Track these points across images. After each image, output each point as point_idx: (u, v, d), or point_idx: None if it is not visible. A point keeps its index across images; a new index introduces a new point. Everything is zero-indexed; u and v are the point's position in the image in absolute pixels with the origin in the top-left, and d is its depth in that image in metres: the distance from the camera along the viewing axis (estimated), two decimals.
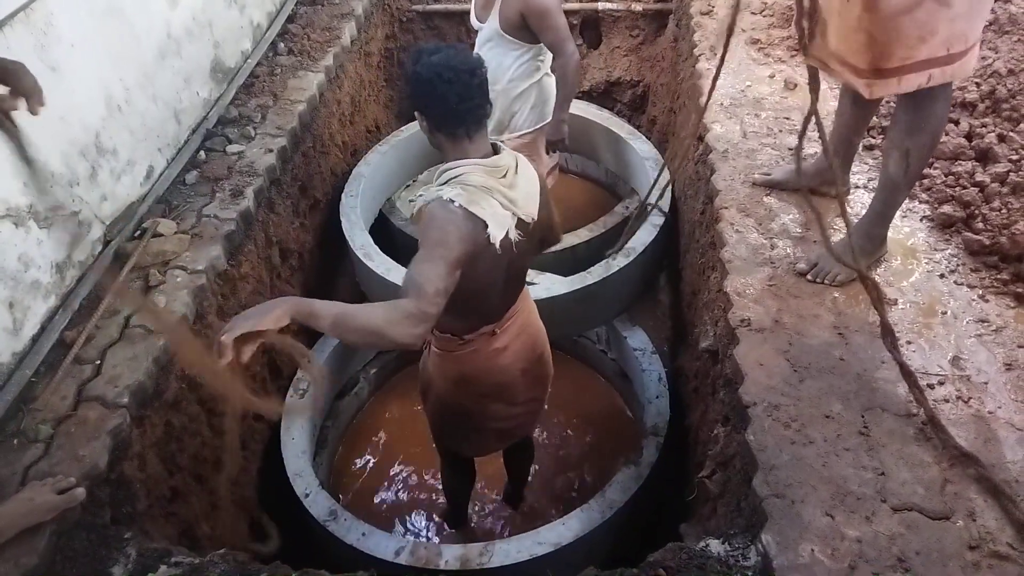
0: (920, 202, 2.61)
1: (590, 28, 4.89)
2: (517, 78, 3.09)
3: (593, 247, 3.44)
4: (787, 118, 3.06)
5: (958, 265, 2.38)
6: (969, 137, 2.74)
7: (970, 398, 1.98)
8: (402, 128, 4.05)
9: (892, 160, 2.20)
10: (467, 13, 3.23)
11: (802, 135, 2.00)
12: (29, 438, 1.95)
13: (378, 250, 3.22)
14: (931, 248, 2.45)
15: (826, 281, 2.31)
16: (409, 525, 3.13)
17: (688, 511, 2.34)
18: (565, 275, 3.07)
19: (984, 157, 2.63)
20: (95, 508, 1.88)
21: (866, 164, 2.79)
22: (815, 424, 1.92)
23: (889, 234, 2.41)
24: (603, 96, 5.02)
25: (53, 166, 2.26)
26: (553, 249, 2.43)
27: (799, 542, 1.67)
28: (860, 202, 2.61)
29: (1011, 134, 2.64)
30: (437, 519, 3.13)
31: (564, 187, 4.38)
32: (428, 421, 2.47)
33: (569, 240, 3.42)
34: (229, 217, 2.70)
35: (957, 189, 2.57)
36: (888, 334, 1.90)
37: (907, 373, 1.88)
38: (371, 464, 3.34)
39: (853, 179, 2.72)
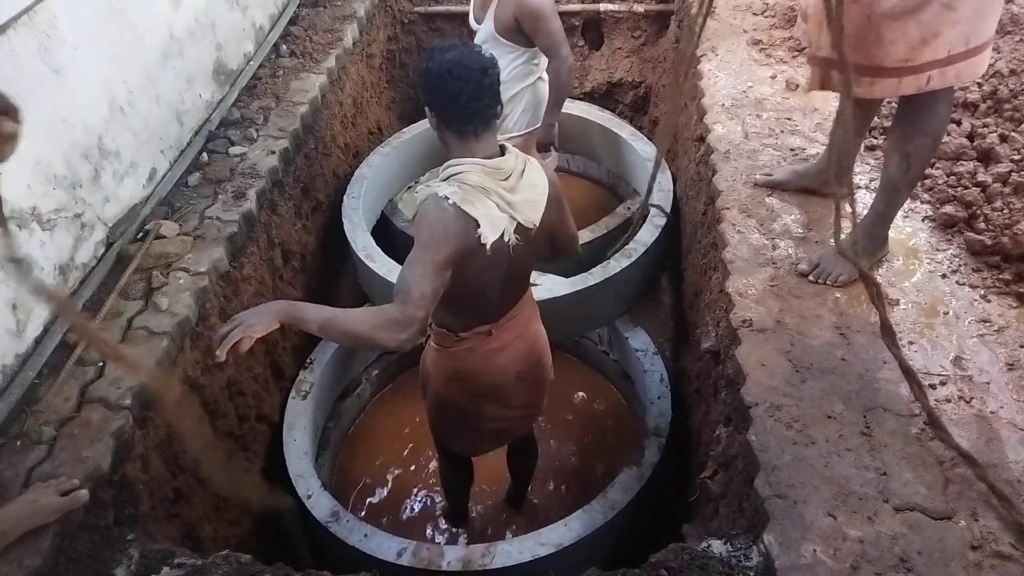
0: (922, 202, 2.61)
1: (592, 29, 4.89)
2: (511, 80, 3.08)
3: (595, 248, 3.44)
4: (788, 119, 3.06)
5: (960, 265, 2.38)
6: (971, 137, 2.74)
7: (972, 398, 1.98)
8: (404, 130, 4.05)
9: (893, 162, 2.20)
10: (468, 15, 3.24)
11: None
12: (32, 440, 1.96)
13: (380, 251, 3.23)
14: (933, 248, 2.45)
15: (828, 282, 2.31)
16: (411, 526, 3.12)
17: (690, 512, 2.34)
18: (567, 276, 3.07)
19: (986, 157, 2.63)
20: (98, 509, 1.88)
21: (867, 164, 2.79)
22: (817, 424, 1.92)
23: (891, 234, 2.41)
24: (605, 97, 5.02)
25: (56, 168, 2.27)
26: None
27: (801, 542, 1.67)
28: (862, 202, 2.59)
29: (1013, 134, 2.64)
30: (439, 520, 3.13)
31: (565, 188, 4.36)
32: (427, 415, 2.47)
33: None
34: (231, 219, 2.70)
35: (959, 189, 2.56)
36: (888, 333, 1.90)
37: (907, 371, 1.88)
38: (373, 465, 3.34)
39: (855, 180, 2.72)
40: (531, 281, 2.99)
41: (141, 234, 2.61)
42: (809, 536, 1.68)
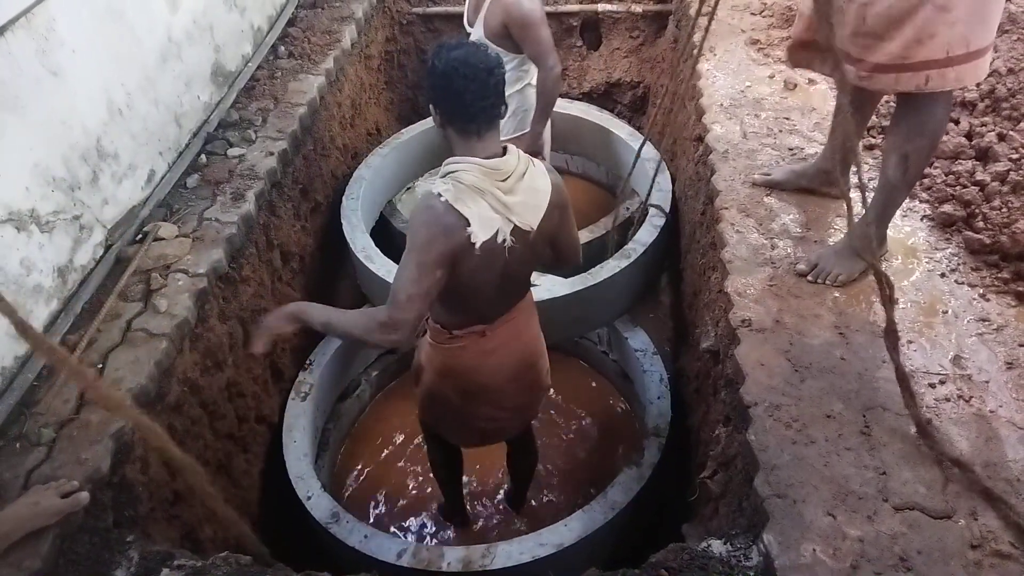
0: (920, 201, 2.62)
1: (590, 30, 4.90)
2: None
3: (594, 248, 3.44)
4: (787, 118, 3.07)
5: (959, 264, 2.38)
6: (969, 136, 2.74)
7: (971, 397, 1.98)
8: (402, 131, 4.05)
9: (891, 163, 2.20)
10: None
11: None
12: (31, 442, 1.95)
13: (379, 252, 3.23)
14: (932, 247, 2.45)
15: (826, 281, 2.31)
16: (411, 527, 3.13)
17: (690, 511, 2.34)
18: (566, 276, 3.07)
19: (984, 156, 2.63)
20: (97, 511, 1.88)
21: (866, 164, 2.79)
22: (816, 424, 1.92)
23: (890, 233, 2.41)
24: (603, 97, 5.03)
25: (55, 170, 2.27)
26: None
27: (801, 542, 1.67)
28: (860, 201, 2.61)
29: (1011, 133, 2.64)
30: (440, 521, 3.13)
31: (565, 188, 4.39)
32: (417, 402, 2.47)
33: None
34: (230, 220, 2.70)
35: (957, 188, 2.57)
36: (891, 336, 1.90)
37: (902, 378, 1.88)
38: (373, 466, 3.34)
39: (853, 179, 2.71)
40: (531, 282, 3.02)
41: (140, 236, 2.62)
42: (809, 535, 1.68)
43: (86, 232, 2.42)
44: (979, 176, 2.55)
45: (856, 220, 2.21)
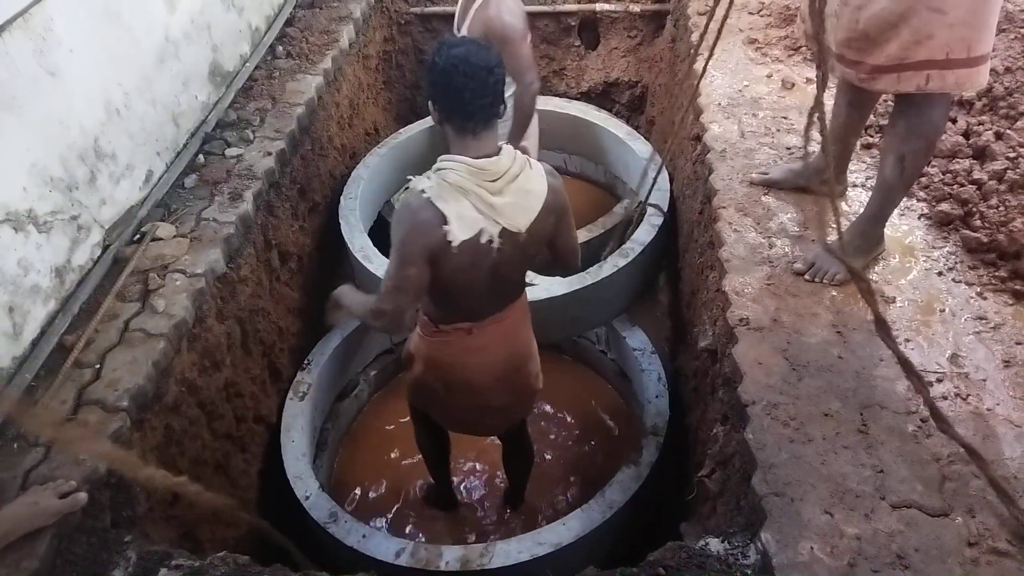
0: (918, 200, 2.62)
1: (588, 29, 4.90)
2: None
3: (592, 248, 3.44)
4: (785, 117, 3.07)
5: (956, 263, 2.38)
6: (967, 135, 2.75)
7: (969, 395, 1.98)
8: (401, 130, 4.05)
9: (888, 164, 2.20)
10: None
11: (808, 128, 2.00)
12: (29, 442, 1.95)
13: (377, 252, 3.23)
14: (929, 246, 2.46)
15: (824, 280, 2.32)
16: (409, 526, 3.12)
17: (688, 510, 2.34)
18: (564, 277, 3.07)
19: (982, 155, 2.64)
20: (95, 511, 1.88)
21: (863, 163, 2.80)
22: (814, 422, 1.92)
23: (887, 232, 2.41)
24: (601, 97, 5.03)
25: (52, 170, 2.27)
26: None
27: (798, 540, 1.67)
28: (858, 200, 2.61)
29: (1008, 132, 2.65)
30: (438, 521, 3.13)
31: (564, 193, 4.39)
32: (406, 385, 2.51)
33: None
34: (228, 220, 2.70)
35: (955, 187, 2.57)
36: (882, 327, 1.90)
37: (905, 363, 1.87)
38: (371, 466, 3.34)
39: (851, 177, 2.72)
40: (528, 281, 3.02)
41: (138, 236, 2.61)
42: (806, 534, 1.68)
43: (84, 232, 2.41)
44: (976, 175, 2.55)
45: (848, 220, 2.22)
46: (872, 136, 2.91)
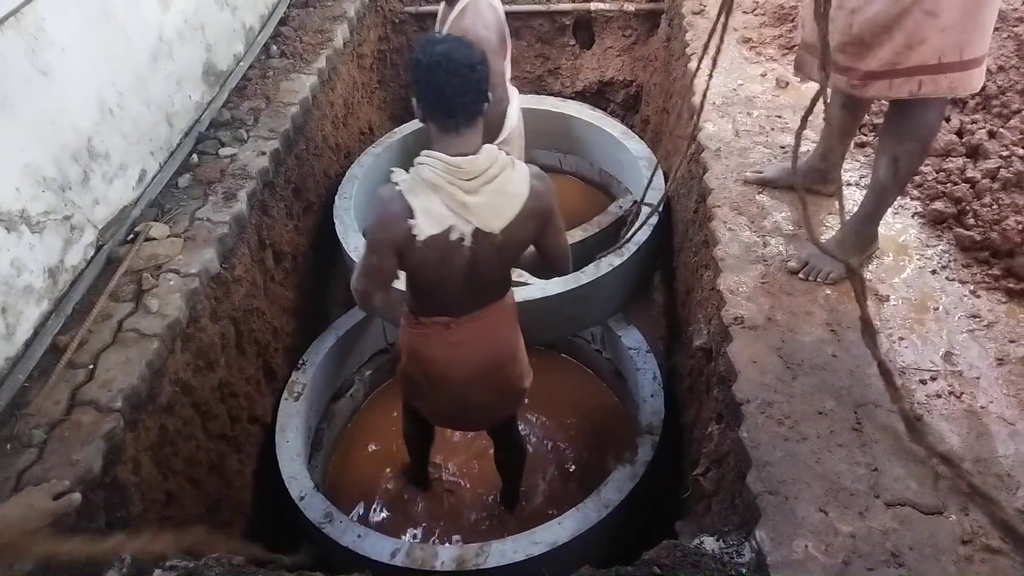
0: (911, 199, 2.63)
1: (583, 28, 4.90)
2: None
3: (587, 247, 3.44)
4: (779, 116, 3.07)
5: (949, 261, 2.39)
6: (960, 133, 2.75)
7: (962, 393, 1.98)
8: (395, 130, 4.05)
9: (882, 165, 2.21)
10: None
11: (799, 132, 2.00)
12: (22, 443, 1.95)
13: None
14: (923, 244, 2.46)
15: (818, 279, 2.32)
16: (404, 526, 3.12)
17: (683, 509, 2.34)
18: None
19: (975, 153, 2.64)
20: (89, 512, 1.88)
21: (857, 161, 2.80)
22: (808, 421, 1.93)
23: (881, 231, 2.42)
24: (596, 96, 5.03)
25: (45, 170, 2.26)
26: None
27: (793, 538, 1.67)
28: (852, 199, 2.61)
29: (1001, 130, 2.65)
30: (434, 521, 3.13)
31: (558, 187, 4.38)
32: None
33: None
34: (222, 220, 2.69)
35: (948, 185, 2.58)
36: (868, 330, 1.90)
37: (885, 372, 1.88)
38: (367, 466, 3.33)
39: (845, 176, 2.73)
40: (523, 280, 3.02)
41: (131, 236, 2.60)
42: (801, 532, 1.68)
43: (77, 232, 2.41)
44: (970, 173, 2.56)
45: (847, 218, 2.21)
46: (866, 135, 2.92)
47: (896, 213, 2.57)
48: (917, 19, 1.90)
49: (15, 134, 2.15)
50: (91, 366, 2.15)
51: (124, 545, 1.75)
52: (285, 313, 3.23)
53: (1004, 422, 1.90)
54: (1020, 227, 2.31)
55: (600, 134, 4.01)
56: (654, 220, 3.24)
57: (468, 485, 3.24)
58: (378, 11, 4.63)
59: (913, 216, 2.57)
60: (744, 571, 1.68)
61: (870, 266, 2.39)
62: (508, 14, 4.67)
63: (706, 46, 2.27)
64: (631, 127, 4.30)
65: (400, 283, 2.13)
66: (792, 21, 3.58)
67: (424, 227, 1.84)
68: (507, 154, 1.96)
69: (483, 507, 3.16)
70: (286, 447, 2.84)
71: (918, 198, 2.61)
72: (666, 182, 3.50)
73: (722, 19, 2.09)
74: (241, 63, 3.50)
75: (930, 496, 1.74)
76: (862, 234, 2.36)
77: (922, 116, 2.08)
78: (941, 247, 2.44)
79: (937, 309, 2.24)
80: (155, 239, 2.59)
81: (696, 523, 2.13)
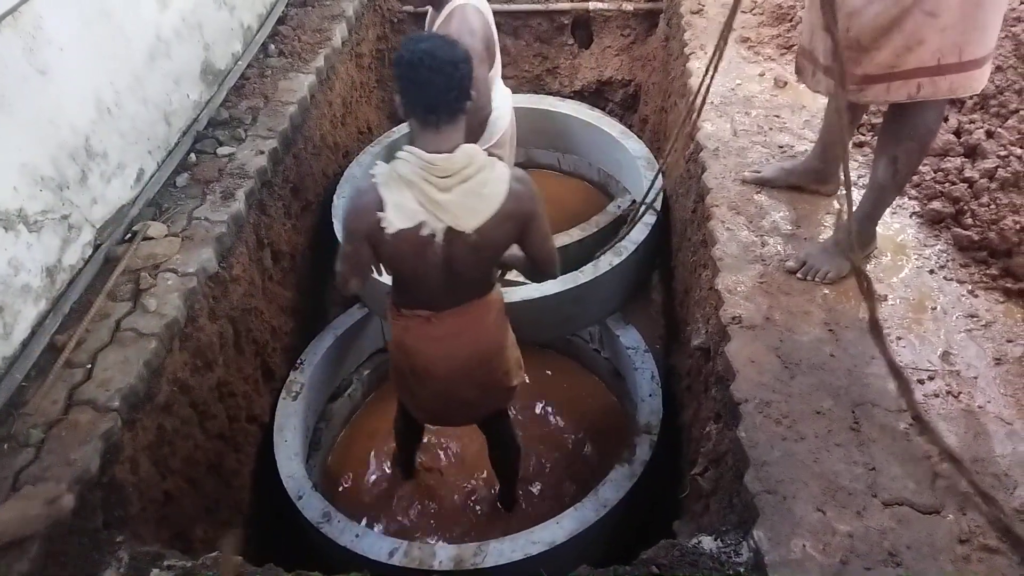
0: (909, 198, 2.63)
1: (581, 28, 4.90)
2: None
3: (585, 246, 3.44)
4: (777, 116, 3.07)
5: (948, 260, 2.39)
6: (958, 133, 2.76)
7: (960, 393, 1.99)
8: (393, 129, 4.04)
9: (881, 166, 2.21)
10: None
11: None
12: (20, 442, 1.94)
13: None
14: (921, 244, 2.47)
15: (816, 279, 2.32)
16: (403, 526, 3.12)
17: (681, 508, 2.34)
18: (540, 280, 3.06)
19: (973, 153, 2.65)
20: (87, 512, 1.87)
21: (856, 161, 2.80)
22: (806, 420, 1.93)
23: (879, 230, 2.42)
24: (595, 95, 5.03)
25: (43, 170, 2.25)
26: None
27: (791, 537, 1.67)
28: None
29: (999, 130, 2.65)
30: (432, 520, 3.13)
31: (556, 187, 4.39)
32: None
33: (561, 240, 3.42)
34: (220, 219, 2.69)
35: (946, 185, 2.58)
36: (876, 329, 1.91)
37: (894, 368, 1.89)
38: (365, 466, 3.33)
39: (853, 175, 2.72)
40: (520, 280, 3.02)
41: (129, 235, 2.60)
42: (799, 531, 1.68)
43: (75, 232, 2.40)
44: (968, 173, 2.56)
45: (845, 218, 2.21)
46: (864, 134, 2.92)
47: (894, 212, 2.57)
48: (918, 20, 1.89)
49: (13, 133, 2.14)
50: (89, 365, 2.15)
51: None
52: (283, 312, 3.23)
53: (1001, 421, 1.91)
54: (1018, 227, 2.32)
55: (598, 134, 4.01)
56: (652, 220, 3.25)
57: (453, 471, 3.26)
58: (376, 10, 4.62)
59: (911, 216, 2.57)
60: (742, 570, 1.68)
61: (868, 265, 2.39)
62: (507, 13, 4.73)
63: (717, 47, 2.27)
64: (629, 126, 4.31)
65: (387, 276, 2.18)
66: (791, 20, 3.58)
67: (394, 220, 1.87)
68: (500, 158, 1.96)
69: (481, 506, 3.16)
70: (284, 447, 2.84)
71: (916, 198, 2.62)
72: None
73: (730, 20, 2.10)
74: (239, 62, 3.49)
75: (928, 496, 1.74)
76: (860, 233, 2.35)
77: (921, 117, 2.08)
78: (939, 247, 2.44)
79: (935, 309, 2.24)
80: (153, 238, 2.59)
81: (694, 522, 2.14)
